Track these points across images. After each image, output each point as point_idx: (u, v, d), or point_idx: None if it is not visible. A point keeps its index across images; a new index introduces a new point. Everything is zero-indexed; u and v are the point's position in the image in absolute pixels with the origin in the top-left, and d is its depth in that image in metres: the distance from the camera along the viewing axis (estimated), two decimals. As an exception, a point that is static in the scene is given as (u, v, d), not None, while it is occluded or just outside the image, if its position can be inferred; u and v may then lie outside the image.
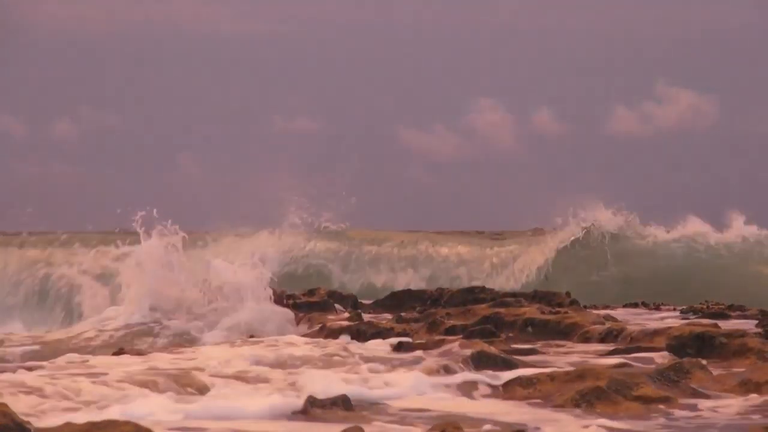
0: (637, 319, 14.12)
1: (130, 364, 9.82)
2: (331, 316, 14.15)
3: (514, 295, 15.01)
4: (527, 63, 68.56)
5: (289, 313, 14.36)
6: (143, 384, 8.45)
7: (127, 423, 6.30)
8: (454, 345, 10.33)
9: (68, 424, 6.35)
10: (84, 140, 56.80)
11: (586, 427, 7.13)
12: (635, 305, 16.60)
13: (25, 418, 6.38)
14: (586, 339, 11.87)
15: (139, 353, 11.05)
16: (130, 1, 72.40)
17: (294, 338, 12.22)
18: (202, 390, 8.48)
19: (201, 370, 9.25)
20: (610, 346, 11.21)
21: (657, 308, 16.16)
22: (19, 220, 22.23)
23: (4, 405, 6.29)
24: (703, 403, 8.06)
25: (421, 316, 13.49)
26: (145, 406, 7.70)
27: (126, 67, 68.97)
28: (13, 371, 9.19)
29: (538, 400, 8.15)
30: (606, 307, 15.97)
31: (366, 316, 14.04)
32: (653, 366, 9.21)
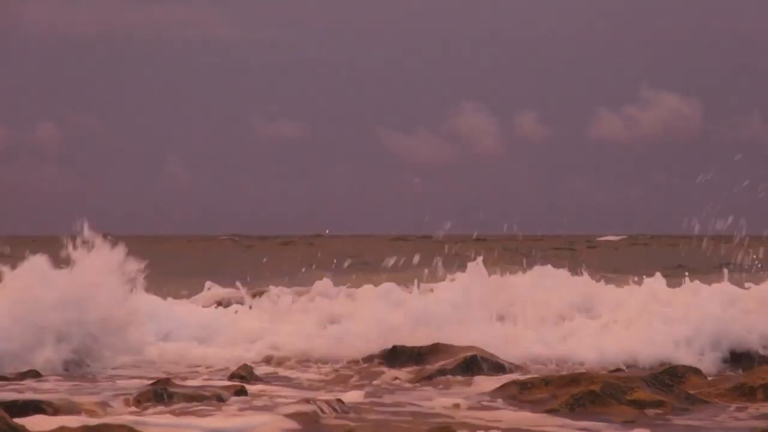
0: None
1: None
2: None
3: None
4: (511, 66, 68.56)
5: None
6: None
7: (121, 426, 6.29)
8: (449, 349, 10.31)
9: (62, 428, 6.34)
10: (67, 143, 56.80)
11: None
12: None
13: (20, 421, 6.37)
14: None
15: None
16: (114, 7, 72.42)
17: None
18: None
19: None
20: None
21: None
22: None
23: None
24: (698, 408, 8.05)
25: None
26: None
27: (109, 71, 69.04)
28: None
29: (533, 404, 8.14)
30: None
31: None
32: (648, 370, 9.21)
